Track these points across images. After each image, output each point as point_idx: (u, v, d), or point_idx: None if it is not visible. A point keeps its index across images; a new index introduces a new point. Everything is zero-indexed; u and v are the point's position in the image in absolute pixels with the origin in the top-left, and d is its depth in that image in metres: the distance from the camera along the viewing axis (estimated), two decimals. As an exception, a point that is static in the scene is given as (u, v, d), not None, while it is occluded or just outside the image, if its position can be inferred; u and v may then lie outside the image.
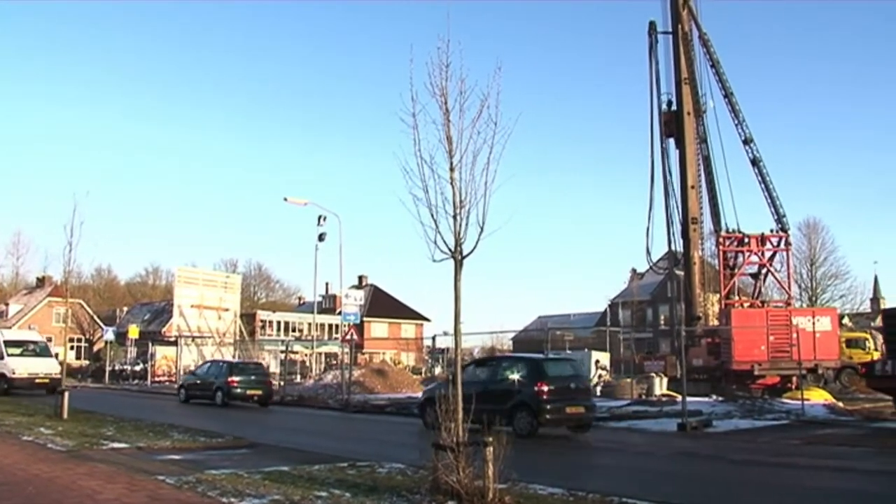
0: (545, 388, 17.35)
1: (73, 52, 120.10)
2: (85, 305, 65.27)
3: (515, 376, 18.27)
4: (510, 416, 16.91)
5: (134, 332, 49.96)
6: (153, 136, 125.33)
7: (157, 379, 44.79)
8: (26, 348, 31.60)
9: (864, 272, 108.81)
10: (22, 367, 29.67)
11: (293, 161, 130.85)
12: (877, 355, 30.47)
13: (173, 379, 42.50)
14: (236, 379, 27.94)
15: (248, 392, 28.00)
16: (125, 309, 75.18)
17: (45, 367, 30.26)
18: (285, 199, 38.87)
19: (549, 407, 17.24)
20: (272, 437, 16.30)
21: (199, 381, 29.76)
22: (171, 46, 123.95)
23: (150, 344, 48.13)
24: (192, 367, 41.77)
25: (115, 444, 13.48)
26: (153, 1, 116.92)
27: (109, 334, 48.43)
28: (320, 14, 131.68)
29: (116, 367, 49.37)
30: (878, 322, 40.70)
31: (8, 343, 31.04)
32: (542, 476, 10.17)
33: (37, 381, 29.72)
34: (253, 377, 28.73)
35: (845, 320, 47.92)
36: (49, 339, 40.64)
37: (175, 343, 45.24)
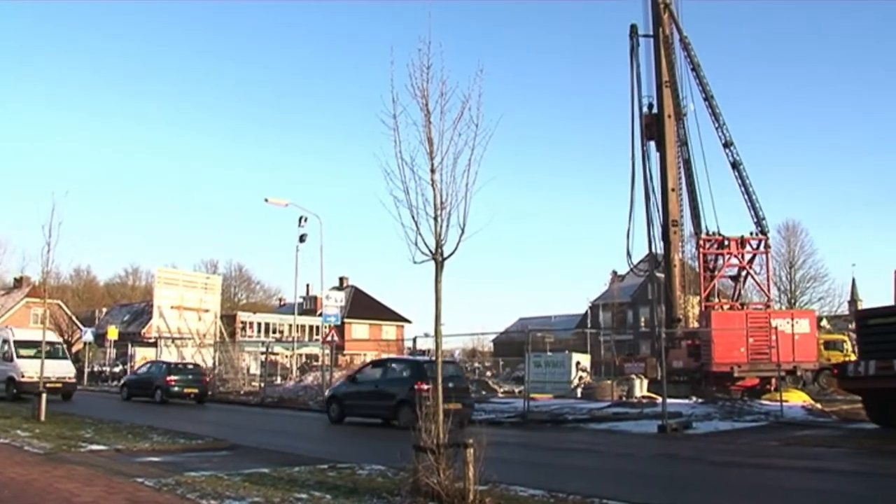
0: (424, 387, 17.55)
1: (50, 53, 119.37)
2: (63, 306, 64.74)
3: (401, 376, 20.84)
4: (395, 411, 19.64)
5: (113, 333, 49.63)
6: (133, 136, 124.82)
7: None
8: (39, 349, 28.84)
9: (843, 275, 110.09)
10: (33, 369, 26.52)
11: (274, 162, 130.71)
12: (854, 357, 30.69)
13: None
14: (174, 378, 30.73)
15: (186, 390, 30.73)
16: (104, 310, 74.72)
17: (58, 370, 27.82)
18: (266, 200, 38.91)
19: (428, 403, 17.19)
20: (252, 439, 16.22)
21: (140, 380, 32.52)
22: (153, 47, 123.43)
23: (129, 345, 47.83)
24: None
25: (94, 447, 13.38)
26: (129, 1, 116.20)
27: (88, 335, 48.06)
28: (301, 14, 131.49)
29: (95, 369, 48.96)
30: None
31: (19, 343, 29.14)
32: (522, 478, 10.18)
33: (48, 385, 26.21)
34: (190, 377, 31.60)
35: (824, 322, 48.28)
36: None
37: (155, 344, 44.95)
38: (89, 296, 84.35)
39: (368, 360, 58.77)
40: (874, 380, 17.69)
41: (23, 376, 27.66)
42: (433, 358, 27.26)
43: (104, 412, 22.19)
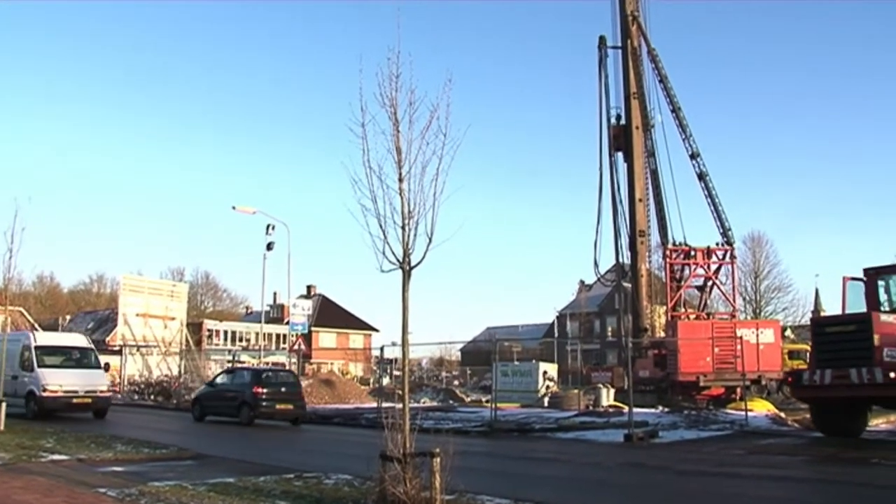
0: (261, 391, 23.74)
1: (9, 57, 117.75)
2: (25, 313, 63.64)
3: (244, 381, 24.63)
4: (238, 410, 23.82)
5: (77, 340, 48.87)
6: (98, 142, 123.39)
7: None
8: (67, 356, 25.14)
9: (806, 285, 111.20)
10: (57, 381, 23.07)
11: (242, 169, 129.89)
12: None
13: (117, 389, 41.69)
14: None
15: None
16: (68, 317, 73.71)
17: (88, 382, 23.87)
18: (233, 208, 38.62)
19: (263, 404, 23.66)
20: (218, 449, 16.08)
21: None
22: (119, 53, 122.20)
23: (93, 353, 47.11)
24: (136, 377, 41.21)
25: (55, 456, 13.19)
26: (94, 2, 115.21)
27: (51, 343, 47.24)
28: (269, 21, 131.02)
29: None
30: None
31: (42, 350, 24.34)
32: (489, 487, 10.16)
33: (75, 400, 23.20)
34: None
35: (788, 332, 48.78)
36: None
37: (119, 352, 44.41)
38: (52, 303, 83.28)
39: (336, 369, 58.90)
40: (829, 388, 17.54)
41: (45, 389, 22.81)
42: (273, 368, 30.85)
43: (66, 422, 21.73)
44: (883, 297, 19.67)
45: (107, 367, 27.00)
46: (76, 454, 13.55)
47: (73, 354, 25.36)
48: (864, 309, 19.37)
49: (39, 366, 23.42)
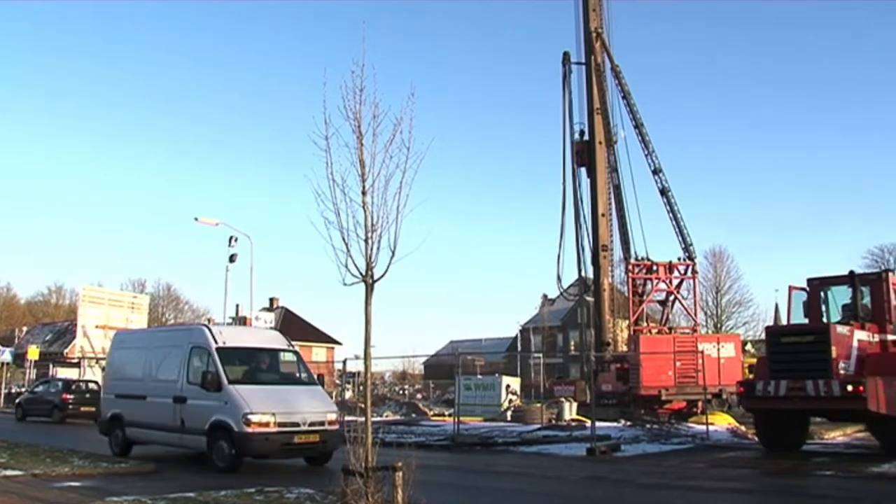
0: (68, 396, 31.03)
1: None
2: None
3: (56, 389, 31.93)
4: (50, 413, 30.60)
5: (34, 353, 48.05)
6: (57, 151, 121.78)
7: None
8: (268, 366, 16.43)
9: (766, 300, 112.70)
10: (267, 407, 14.28)
11: (204, 180, 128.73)
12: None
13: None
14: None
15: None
16: (25, 329, 72.43)
17: (311, 408, 15.02)
18: (196, 219, 38.24)
19: (69, 407, 30.65)
20: (177, 462, 15.86)
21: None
22: (82, 60, 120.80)
23: (50, 366, 46.43)
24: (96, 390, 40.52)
25: (8, 472, 12.85)
26: (59, 3, 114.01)
27: (6, 355, 46.50)
28: (233, 32, 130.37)
29: (13, 390, 47.35)
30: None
31: (230, 355, 15.37)
32: (451, 500, 10.15)
33: (297, 438, 14.48)
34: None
35: (748, 346, 49.38)
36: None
37: (78, 365, 43.80)
38: (9, 314, 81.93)
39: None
40: (783, 400, 17.36)
41: (248, 422, 13.99)
42: (81, 380, 35.17)
43: (22, 436, 21.29)
44: (830, 307, 19.83)
45: (321, 380, 20.24)
46: (31, 469, 13.24)
47: (274, 362, 16.76)
48: (805, 319, 19.58)
49: (231, 381, 14.72)
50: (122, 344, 18.81)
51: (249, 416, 13.98)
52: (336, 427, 14.84)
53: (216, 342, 15.30)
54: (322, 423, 14.79)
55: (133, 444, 16.87)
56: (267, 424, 14.12)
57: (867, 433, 20.06)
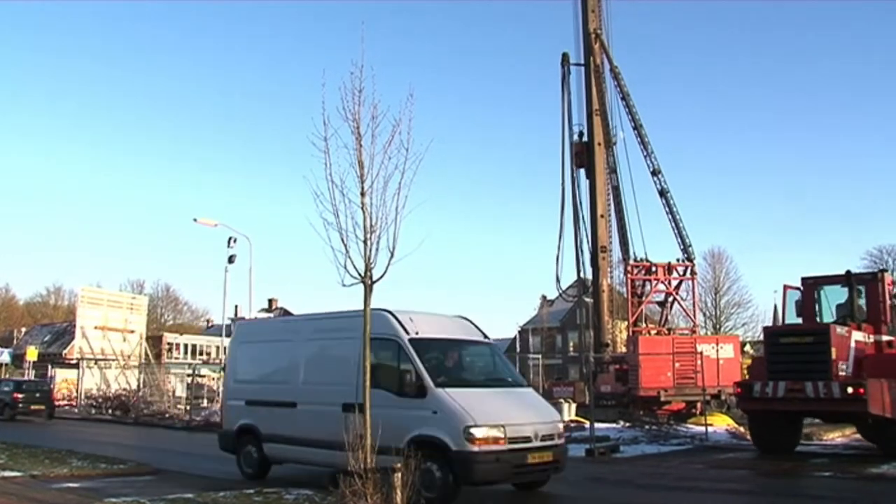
0: (18, 395, 32.46)
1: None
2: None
3: (9, 389, 33.08)
4: (1, 411, 32.02)
5: (32, 354, 48.06)
6: (57, 152, 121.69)
7: (57, 403, 43.09)
8: (470, 364, 13.21)
9: (765, 301, 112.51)
10: (494, 418, 10.99)
11: (204, 181, 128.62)
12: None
13: (74, 403, 41.05)
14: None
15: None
16: (24, 330, 72.41)
17: (539, 418, 11.77)
18: (195, 220, 38.21)
19: (20, 406, 32.27)
20: (177, 463, 15.86)
21: None
22: (80, 59, 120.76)
23: (49, 367, 46.40)
24: (94, 391, 40.55)
25: (6, 473, 12.86)
26: (59, 3, 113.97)
27: (5, 356, 46.57)
28: (232, 33, 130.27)
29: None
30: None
31: (424, 347, 11.90)
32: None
33: (531, 457, 11.21)
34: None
35: (747, 347, 49.36)
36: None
37: (77, 366, 43.72)
38: (7, 315, 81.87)
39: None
40: (782, 401, 17.22)
41: (472, 438, 10.65)
42: (32, 380, 37.56)
43: (21, 437, 21.26)
44: (823, 306, 19.79)
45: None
46: (29, 470, 13.24)
47: (477, 359, 13.55)
48: (798, 319, 19.51)
49: (438, 384, 11.27)
50: (252, 336, 15.43)
51: (473, 431, 10.59)
52: (564, 441, 12.28)
53: (408, 332, 11.82)
54: (552, 437, 11.70)
55: (272, 464, 13.74)
56: (496, 441, 10.77)
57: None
